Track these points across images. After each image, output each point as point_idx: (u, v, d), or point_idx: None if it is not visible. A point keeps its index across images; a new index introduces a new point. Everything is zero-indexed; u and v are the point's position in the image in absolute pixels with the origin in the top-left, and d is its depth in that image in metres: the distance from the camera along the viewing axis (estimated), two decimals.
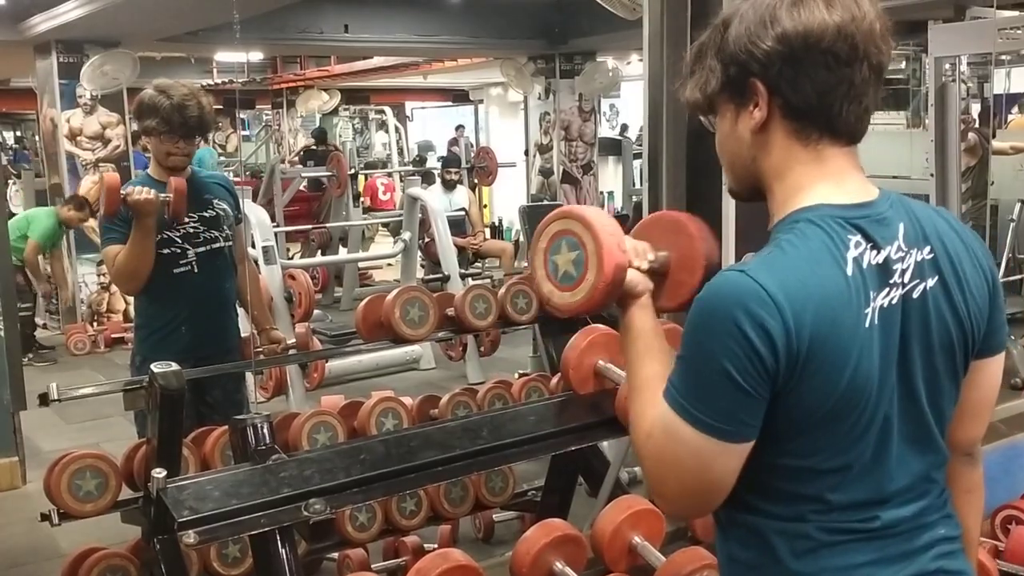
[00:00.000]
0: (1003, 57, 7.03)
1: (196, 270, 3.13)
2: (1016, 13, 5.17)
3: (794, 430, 1.12)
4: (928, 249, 1.17)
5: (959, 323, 1.19)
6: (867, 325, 1.11)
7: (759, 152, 1.19)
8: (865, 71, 1.14)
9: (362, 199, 9.96)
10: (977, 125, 7.26)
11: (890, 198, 1.19)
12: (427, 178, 9.45)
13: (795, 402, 1.09)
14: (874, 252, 1.13)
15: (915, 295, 1.16)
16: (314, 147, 12.63)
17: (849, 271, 1.11)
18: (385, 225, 11.56)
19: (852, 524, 1.16)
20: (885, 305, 1.13)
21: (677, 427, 1.11)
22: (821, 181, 1.16)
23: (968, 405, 1.26)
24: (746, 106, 1.17)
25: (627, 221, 6.79)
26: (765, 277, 1.09)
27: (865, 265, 1.12)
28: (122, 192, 2.91)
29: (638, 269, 1.30)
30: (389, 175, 12.69)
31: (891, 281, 1.14)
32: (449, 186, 8.00)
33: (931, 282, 1.17)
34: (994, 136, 7.16)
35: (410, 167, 12.22)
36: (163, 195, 2.96)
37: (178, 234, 3.10)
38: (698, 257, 1.36)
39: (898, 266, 1.14)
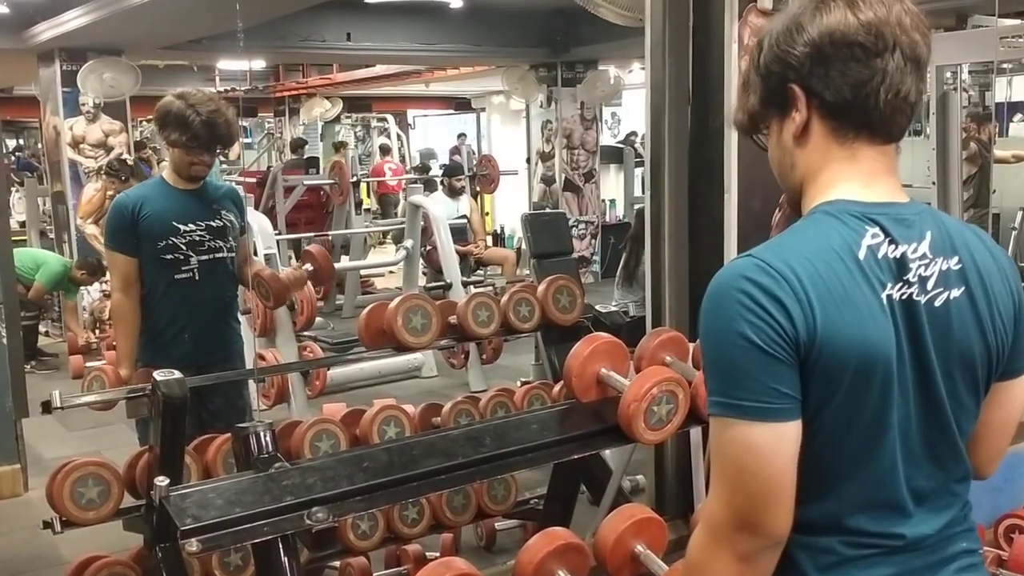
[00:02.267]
0: (1004, 65, 7.04)
1: (197, 277, 3.14)
2: (1017, 22, 5.18)
3: (817, 419, 1.10)
4: (956, 260, 1.17)
5: (983, 337, 1.17)
6: (879, 307, 1.10)
7: (798, 157, 1.21)
8: (899, 59, 1.14)
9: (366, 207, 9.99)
10: (977, 133, 7.27)
11: (920, 207, 1.19)
12: (429, 185, 9.45)
13: (817, 377, 1.08)
14: (891, 247, 1.13)
15: (938, 303, 1.14)
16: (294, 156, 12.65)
17: (862, 255, 1.11)
18: (385, 235, 11.57)
19: (877, 540, 1.15)
20: (896, 298, 1.12)
21: (728, 430, 1.10)
22: (850, 180, 1.17)
23: (989, 427, 1.24)
24: (788, 114, 1.19)
25: (629, 229, 6.75)
26: (769, 256, 1.11)
27: (880, 255, 1.12)
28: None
29: None
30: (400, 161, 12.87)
31: (906, 278, 1.13)
32: (456, 193, 8.02)
33: (956, 292, 1.16)
34: (993, 143, 7.16)
35: (412, 175, 12.25)
36: None
37: (183, 241, 3.12)
38: None
39: (915, 266, 1.13)
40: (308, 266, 3.34)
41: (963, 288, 1.16)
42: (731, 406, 1.09)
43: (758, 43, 1.22)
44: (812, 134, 1.18)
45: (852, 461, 1.13)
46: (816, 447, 1.11)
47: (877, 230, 1.13)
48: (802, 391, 1.09)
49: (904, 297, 1.12)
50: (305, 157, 12.52)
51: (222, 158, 12.96)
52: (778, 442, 1.08)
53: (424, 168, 12.77)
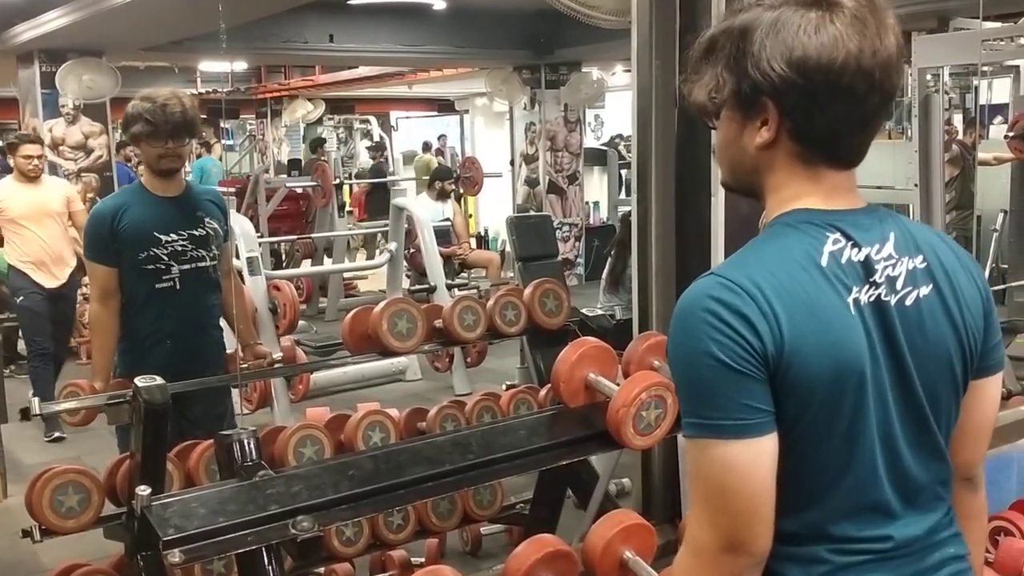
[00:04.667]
0: (984, 68, 7.08)
1: (178, 286, 3.11)
2: (999, 25, 5.21)
3: (794, 430, 1.10)
4: (921, 258, 1.17)
5: (956, 333, 1.17)
6: (846, 312, 1.10)
7: (761, 165, 1.18)
8: (877, 101, 1.13)
9: (349, 208, 9.91)
10: (960, 136, 7.31)
11: (879, 211, 1.19)
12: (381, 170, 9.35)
13: (789, 389, 1.08)
14: (854, 250, 1.13)
15: (908, 302, 1.15)
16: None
17: (824, 261, 1.11)
18: (364, 240, 11.47)
19: (865, 546, 1.14)
20: (864, 301, 1.12)
21: (705, 451, 1.09)
22: (811, 196, 1.16)
23: (967, 427, 1.25)
24: (753, 120, 1.16)
25: (613, 232, 6.76)
26: (732, 273, 1.10)
27: (843, 260, 1.12)
28: None
29: None
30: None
31: (872, 280, 1.13)
32: (444, 196, 7.99)
33: (925, 290, 1.16)
34: (974, 147, 7.20)
35: (374, 178, 12.06)
36: None
37: (165, 251, 3.08)
38: None
39: (881, 267, 1.13)
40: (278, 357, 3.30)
41: (931, 285, 1.16)
42: (706, 426, 1.08)
43: (740, 30, 1.12)
44: (777, 151, 1.16)
45: (832, 468, 1.13)
46: (795, 458, 1.11)
47: (838, 235, 1.13)
48: (776, 404, 1.08)
49: (872, 299, 1.12)
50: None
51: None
52: (757, 458, 1.08)
53: (379, 171, 12.63)
